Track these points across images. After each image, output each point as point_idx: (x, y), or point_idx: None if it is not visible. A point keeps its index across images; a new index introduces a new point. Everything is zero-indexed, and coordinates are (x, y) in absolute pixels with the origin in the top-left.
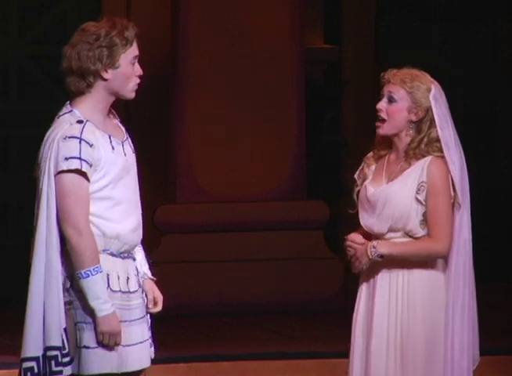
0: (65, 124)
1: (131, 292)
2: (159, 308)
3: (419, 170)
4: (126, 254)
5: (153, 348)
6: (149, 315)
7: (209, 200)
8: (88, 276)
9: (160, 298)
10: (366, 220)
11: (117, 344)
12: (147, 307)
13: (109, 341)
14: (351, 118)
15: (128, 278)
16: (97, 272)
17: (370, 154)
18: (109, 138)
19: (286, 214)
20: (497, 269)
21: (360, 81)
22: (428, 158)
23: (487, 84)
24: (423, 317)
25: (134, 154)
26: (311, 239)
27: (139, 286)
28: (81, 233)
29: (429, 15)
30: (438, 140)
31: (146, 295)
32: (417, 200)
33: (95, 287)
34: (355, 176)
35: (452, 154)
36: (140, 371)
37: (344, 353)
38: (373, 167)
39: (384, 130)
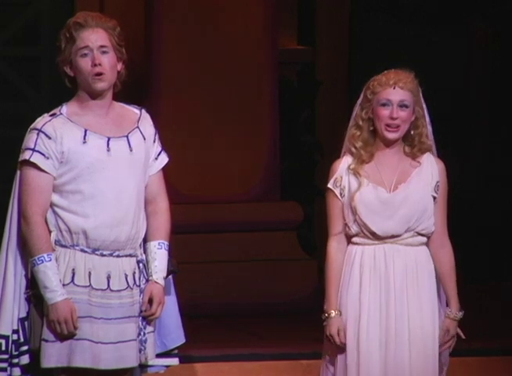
0: (42, 117)
1: (112, 291)
2: (151, 312)
3: (429, 168)
4: (108, 252)
5: (148, 350)
6: (141, 317)
7: (182, 202)
8: (34, 265)
9: (156, 301)
10: (380, 224)
11: (70, 334)
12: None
13: (60, 331)
14: (325, 119)
15: (109, 276)
16: (42, 262)
17: (350, 161)
18: (85, 132)
19: (260, 215)
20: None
21: (334, 82)
22: (430, 156)
23: (461, 86)
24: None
25: (133, 151)
26: (285, 240)
27: (133, 286)
28: (27, 222)
29: (403, 17)
30: (426, 135)
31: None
32: (433, 197)
33: (41, 277)
34: (331, 186)
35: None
36: (121, 370)
37: (318, 354)
38: (363, 171)
39: (399, 134)
